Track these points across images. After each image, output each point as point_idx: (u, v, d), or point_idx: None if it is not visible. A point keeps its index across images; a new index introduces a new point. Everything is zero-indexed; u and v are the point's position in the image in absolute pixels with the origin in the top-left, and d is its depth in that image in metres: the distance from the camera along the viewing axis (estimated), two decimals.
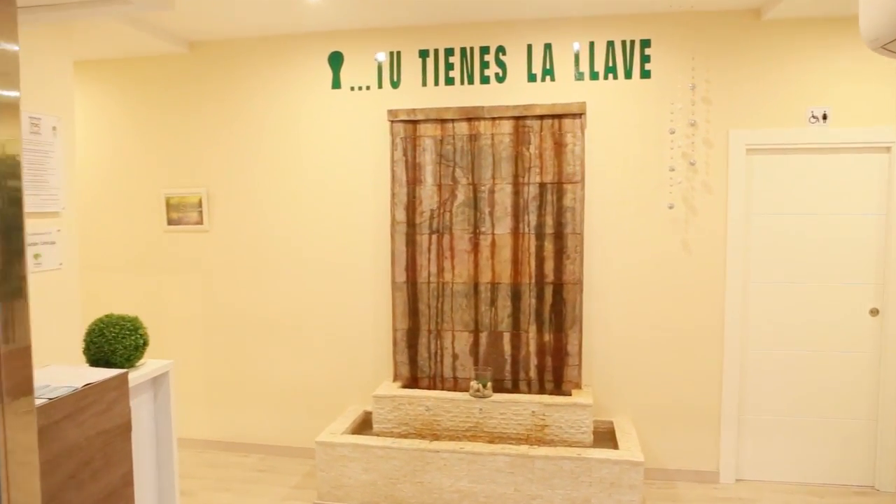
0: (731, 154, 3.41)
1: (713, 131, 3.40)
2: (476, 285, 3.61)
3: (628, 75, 3.45)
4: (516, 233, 3.55)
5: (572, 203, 3.47)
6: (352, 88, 3.76)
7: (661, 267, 3.48)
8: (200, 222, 4.02)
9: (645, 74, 3.43)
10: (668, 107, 3.41)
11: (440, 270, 3.65)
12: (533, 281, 3.54)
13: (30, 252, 2.77)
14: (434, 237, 3.64)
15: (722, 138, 3.40)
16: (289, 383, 3.97)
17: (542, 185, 3.50)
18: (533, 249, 3.53)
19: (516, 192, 3.53)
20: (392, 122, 3.66)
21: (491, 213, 3.57)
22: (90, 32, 3.66)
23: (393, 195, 3.67)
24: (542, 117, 3.49)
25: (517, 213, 3.54)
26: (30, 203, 2.77)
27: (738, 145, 3.43)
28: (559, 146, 3.47)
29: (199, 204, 4.01)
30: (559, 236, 3.50)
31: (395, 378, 3.73)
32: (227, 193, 3.98)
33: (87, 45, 3.87)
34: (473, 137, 3.57)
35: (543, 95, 3.53)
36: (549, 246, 3.51)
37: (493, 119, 3.54)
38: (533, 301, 3.55)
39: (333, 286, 3.86)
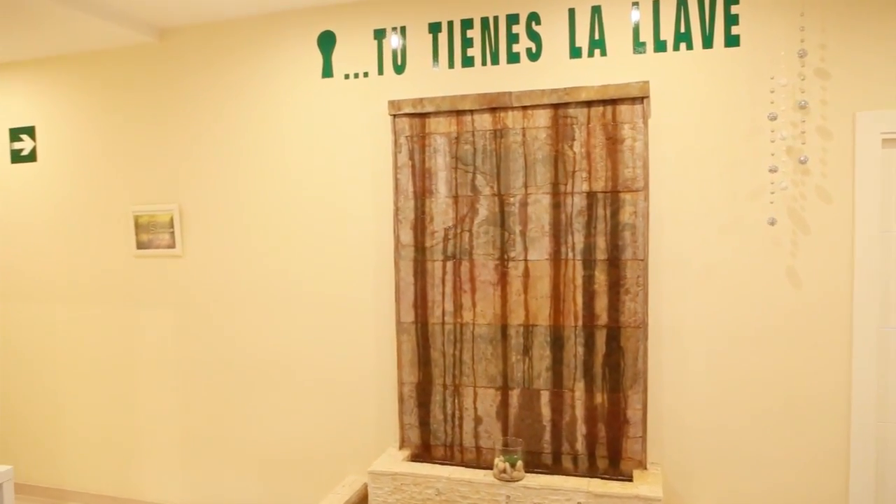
0: (860, 146, 2.42)
1: (832, 116, 2.43)
2: (504, 328, 2.74)
3: (708, 43, 2.53)
4: (557, 259, 2.67)
5: (632, 218, 2.56)
6: (346, 76, 2.98)
7: (757, 305, 2.52)
8: (172, 245, 3.31)
9: (732, 41, 2.50)
10: (766, 84, 2.46)
11: (458, 308, 2.80)
12: (580, 323, 2.65)
13: None
14: (449, 265, 2.80)
15: (845, 125, 2.42)
16: (276, 443, 3.20)
17: (590, 196, 2.61)
18: (579, 281, 2.64)
19: (556, 205, 2.65)
20: (394, 116, 2.84)
21: (523, 233, 2.70)
22: (43, 23, 3.02)
23: (396, 210, 2.85)
24: (589, 104, 2.60)
25: (558, 233, 2.66)
26: None
27: (870, 134, 2.44)
28: (613, 142, 2.57)
29: (171, 223, 3.30)
30: (615, 263, 2.59)
31: (402, 444, 2.89)
32: (202, 210, 3.26)
33: (41, 39, 3.23)
34: (499, 133, 2.71)
35: (591, 75, 2.64)
36: (600, 276, 2.61)
37: (525, 108, 2.68)
38: (580, 350, 2.65)
39: (329, 325, 3.07)
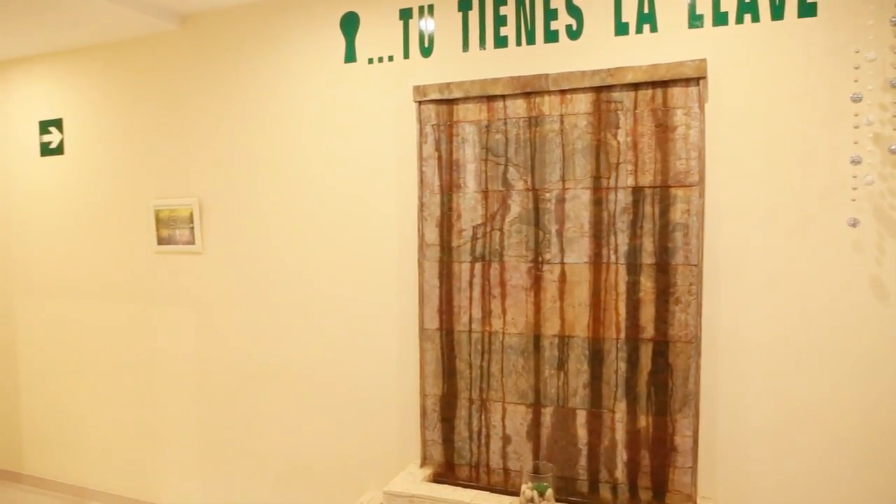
0: None
1: None
2: (537, 338, 2.46)
3: (777, 14, 2.17)
4: (597, 262, 2.36)
5: (684, 218, 2.23)
6: (370, 61, 2.74)
7: (834, 320, 2.15)
8: (192, 241, 3.16)
9: (807, 10, 2.13)
10: (849, 59, 2.09)
11: (486, 315, 2.53)
12: (622, 335, 2.34)
13: None
14: (478, 266, 2.53)
15: None
16: (293, 451, 3.01)
17: (636, 191, 2.29)
18: (623, 288, 2.33)
19: (598, 202, 2.35)
20: (419, 102, 2.59)
21: (560, 233, 2.40)
22: (66, 13, 2.92)
23: (421, 206, 2.61)
24: (636, 86, 2.28)
25: (599, 234, 2.35)
26: None
27: None
28: (664, 130, 2.25)
29: (191, 218, 3.15)
30: (664, 269, 2.27)
31: (424, 462, 2.65)
32: (221, 204, 3.09)
33: (65, 30, 3.14)
34: (534, 121, 2.42)
35: (639, 54, 2.32)
36: (647, 283, 2.29)
37: (563, 93, 2.38)
38: (622, 366, 2.34)
39: (349, 328, 2.85)
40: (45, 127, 3.58)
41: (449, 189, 2.56)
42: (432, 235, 2.60)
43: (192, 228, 3.15)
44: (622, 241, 2.32)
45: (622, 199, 2.31)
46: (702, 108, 2.19)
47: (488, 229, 2.51)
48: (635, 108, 2.28)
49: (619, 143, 2.31)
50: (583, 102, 2.35)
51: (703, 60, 2.17)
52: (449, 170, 2.56)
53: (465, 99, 2.51)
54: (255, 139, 3.00)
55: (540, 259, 2.44)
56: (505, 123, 2.46)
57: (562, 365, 2.42)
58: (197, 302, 3.19)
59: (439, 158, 2.57)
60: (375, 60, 2.73)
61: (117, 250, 3.39)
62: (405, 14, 2.67)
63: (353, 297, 2.83)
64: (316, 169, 2.87)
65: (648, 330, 2.30)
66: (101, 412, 3.51)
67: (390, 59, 2.70)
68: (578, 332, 2.40)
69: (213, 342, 3.16)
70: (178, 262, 3.22)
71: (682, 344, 2.25)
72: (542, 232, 2.43)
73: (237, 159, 3.05)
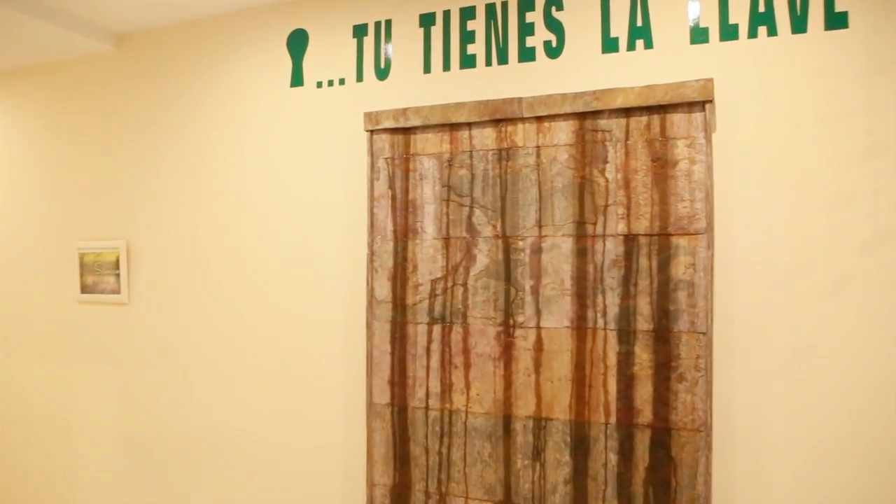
0: None
1: None
2: (507, 420, 1.98)
3: (799, 26, 1.76)
4: (581, 327, 1.91)
5: (689, 273, 1.78)
6: (318, 84, 2.35)
7: (880, 405, 1.68)
8: (117, 290, 2.72)
9: (836, 21, 1.73)
10: (891, 78, 1.67)
11: (446, 389, 2.06)
12: (612, 419, 1.86)
13: None
14: (437, 329, 2.08)
15: None
16: None
17: (629, 240, 1.85)
18: (613, 360, 1.87)
19: (582, 252, 1.91)
20: (371, 132, 2.19)
21: (535, 290, 1.96)
22: None
23: (371, 255, 2.17)
24: (628, 112, 1.87)
25: (583, 291, 1.91)
26: None
27: None
28: (662, 165, 1.83)
29: (117, 264, 2.72)
30: (663, 337, 1.81)
31: None
32: (151, 248, 2.66)
33: None
34: (505, 154, 2.01)
35: (631, 74, 1.91)
36: (643, 355, 1.83)
37: (540, 120, 1.97)
38: (612, 458, 1.86)
39: (289, 398, 2.37)
40: None
41: (404, 235, 2.13)
42: (383, 290, 2.15)
43: (119, 275, 2.71)
44: (612, 301, 1.87)
45: (611, 249, 1.88)
46: (708, 138, 1.77)
47: (450, 284, 2.07)
48: (627, 138, 1.87)
49: (607, 180, 1.89)
50: (563, 132, 1.94)
51: (710, 81, 1.76)
52: (404, 212, 2.13)
53: (425, 127, 2.10)
54: (191, 175, 2.59)
55: (511, 322, 1.99)
56: (470, 157, 2.05)
57: (538, 454, 1.94)
58: (120, 360, 2.73)
59: (393, 198, 2.15)
60: (325, 84, 2.33)
61: (39, 297, 2.94)
62: (359, 31, 2.28)
63: (293, 361, 2.37)
64: (257, 209, 2.45)
65: (645, 414, 1.83)
66: (19, 476, 3.01)
67: (341, 82, 2.31)
68: (558, 413, 1.92)
69: (138, 407, 2.69)
70: (102, 314, 2.77)
71: (687, 433, 1.78)
72: (513, 288, 1.99)
73: (170, 197, 2.63)
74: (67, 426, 2.86)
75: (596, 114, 1.90)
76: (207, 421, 2.53)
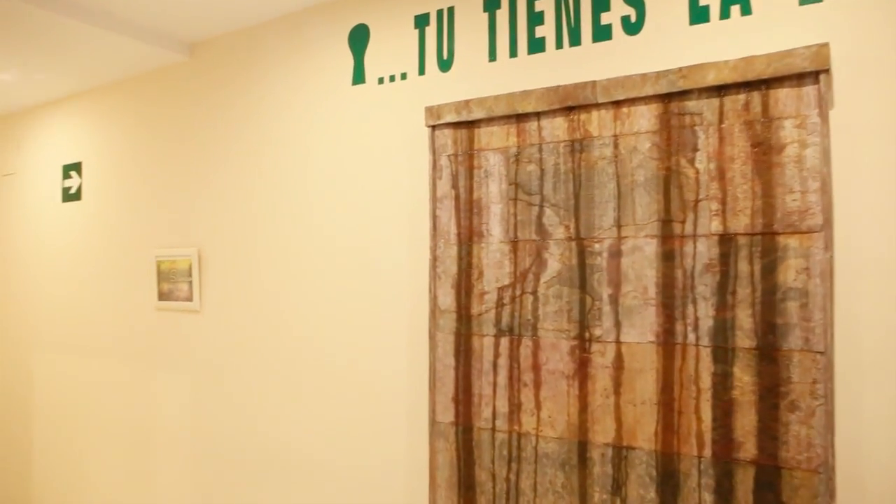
0: None
1: None
2: (583, 447, 1.74)
3: None
4: (669, 343, 1.64)
5: (801, 280, 1.48)
6: (380, 81, 2.21)
7: None
8: (190, 298, 2.72)
9: None
10: None
11: (514, 409, 1.85)
12: (707, 452, 1.58)
13: None
14: (504, 342, 1.87)
15: None
16: None
17: (725, 240, 1.57)
18: (707, 381, 1.59)
19: (668, 256, 1.64)
20: (432, 127, 2.02)
21: (614, 299, 1.71)
22: (78, 53, 2.68)
23: (434, 261, 2.00)
24: (722, 90, 1.59)
25: (670, 301, 1.64)
26: None
27: None
28: (766, 151, 1.53)
29: (189, 271, 2.72)
30: (770, 356, 1.51)
31: None
32: (221, 256, 2.64)
33: (77, 69, 2.89)
34: (578, 146, 1.78)
35: (724, 46, 1.63)
36: (744, 377, 1.54)
37: (617, 105, 1.72)
38: (707, 498, 1.58)
39: (351, 414, 2.25)
40: (67, 171, 3.34)
41: (469, 238, 1.95)
42: (447, 299, 1.98)
43: (191, 283, 2.70)
44: (704, 312, 1.59)
45: (704, 251, 1.60)
46: (824, 116, 1.46)
47: (518, 292, 1.86)
48: (721, 121, 1.59)
49: (697, 171, 1.61)
50: (645, 117, 1.68)
51: (825, 46, 1.45)
52: (468, 213, 1.95)
53: (489, 120, 1.91)
54: (256, 180, 2.54)
55: (587, 335, 1.75)
56: (540, 150, 1.83)
57: (618, 488, 1.69)
58: (192, 368, 2.72)
59: (457, 198, 1.97)
60: (386, 80, 2.20)
61: (122, 305, 3.01)
62: (421, 21, 2.13)
63: (353, 372, 2.24)
64: (318, 215, 2.35)
65: (747, 448, 1.53)
66: (105, 476, 3.09)
67: (403, 76, 2.16)
68: (642, 442, 1.66)
69: (207, 415, 2.67)
70: (176, 321, 2.78)
71: (802, 473, 1.47)
72: (589, 297, 1.75)
73: (237, 204, 2.60)
74: (146, 429, 2.89)
75: (683, 94, 1.63)
76: (269, 433, 2.45)
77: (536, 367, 1.82)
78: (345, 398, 2.25)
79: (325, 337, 2.31)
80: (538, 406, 1.81)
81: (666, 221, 1.65)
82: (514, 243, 1.87)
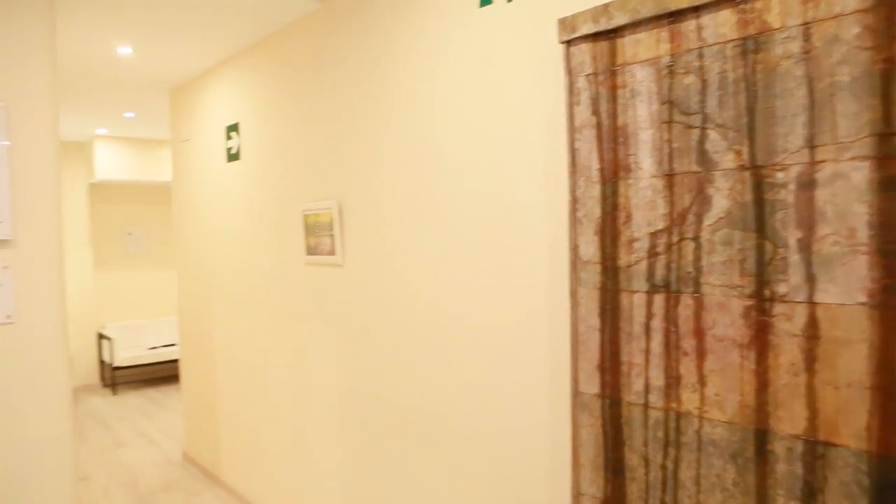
0: None
1: None
2: (762, 436, 1.37)
3: None
4: (887, 305, 1.19)
5: None
6: None
7: None
8: (332, 252, 2.67)
9: None
10: None
11: (672, 383, 1.51)
12: None
13: None
14: (658, 300, 1.53)
15: None
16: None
17: None
18: None
19: (888, 184, 1.18)
20: (567, 43, 1.68)
21: (806, 246, 1.29)
22: (223, 12, 2.72)
23: (574, 203, 1.69)
24: None
25: (891, 247, 1.18)
26: None
27: None
28: None
29: (331, 225, 2.66)
30: None
31: None
32: (359, 208, 2.54)
33: (224, 29, 2.92)
34: (752, 45, 1.34)
35: None
36: None
37: None
38: None
39: (489, 378, 2.04)
40: (228, 132, 3.46)
41: (614, 174, 1.60)
42: (589, 248, 1.66)
43: (333, 236, 2.65)
44: None
45: None
46: None
47: (675, 238, 1.49)
48: None
49: None
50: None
51: None
52: (613, 143, 1.60)
53: (634, 25, 1.53)
54: (387, 126, 2.38)
55: (767, 293, 1.34)
56: (700, 57, 1.42)
57: (811, 495, 1.30)
58: (337, 322, 2.69)
59: (598, 126, 1.63)
60: None
61: (278, 259, 3.08)
62: None
63: (489, 337, 2.01)
64: (449, 156, 2.13)
65: None
66: (267, 426, 3.26)
67: None
68: (847, 437, 1.25)
69: (351, 370, 2.63)
70: (321, 276, 2.76)
71: None
72: (770, 244, 1.33)
73: (370, 152, 2.46)
74: (301, 379, 2.95)
75: None
76: (406, 391, 2.33)
77: (699, 333, 1.45)
78: (480, 359, 2.04)
79: (458, 294, 2.11)
80: (702, 381, 1.45)
81: (884, 136, 1.18)
82: (670, 177, 1.49)
